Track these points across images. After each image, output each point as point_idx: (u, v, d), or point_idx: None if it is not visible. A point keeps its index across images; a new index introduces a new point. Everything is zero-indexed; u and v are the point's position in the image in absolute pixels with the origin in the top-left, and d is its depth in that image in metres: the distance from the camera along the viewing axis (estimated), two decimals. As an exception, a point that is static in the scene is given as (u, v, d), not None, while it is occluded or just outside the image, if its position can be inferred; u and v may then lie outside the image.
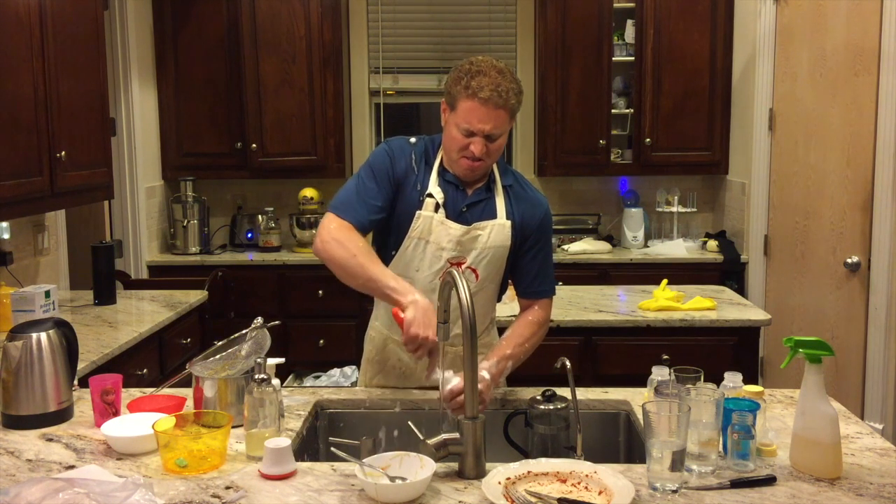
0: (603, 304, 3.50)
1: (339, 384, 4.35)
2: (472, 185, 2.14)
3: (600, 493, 1.55)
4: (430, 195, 2.10)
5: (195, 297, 3.66)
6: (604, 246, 4.88)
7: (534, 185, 2.31)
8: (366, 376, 2.30)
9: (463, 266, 2.10)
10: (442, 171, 2.13)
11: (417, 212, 2.10)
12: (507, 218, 2.13)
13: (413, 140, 2.18)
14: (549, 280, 2.21)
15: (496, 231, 2.12)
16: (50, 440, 1.86)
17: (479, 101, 1.97)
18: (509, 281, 2.30)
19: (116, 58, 4.44)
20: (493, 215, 2.13)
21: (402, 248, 2.11)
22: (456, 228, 2.10)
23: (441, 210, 2.10)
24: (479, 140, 2.01)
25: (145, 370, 3.09)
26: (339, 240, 1.99)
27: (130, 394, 2.15)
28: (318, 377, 4.59)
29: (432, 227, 2.09)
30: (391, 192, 2.10)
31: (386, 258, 2.13)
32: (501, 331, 2.21)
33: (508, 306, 2.87)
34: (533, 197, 2.20)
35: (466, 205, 2.12)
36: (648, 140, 4.90)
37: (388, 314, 2.17)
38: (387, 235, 2.17)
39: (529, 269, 2.17)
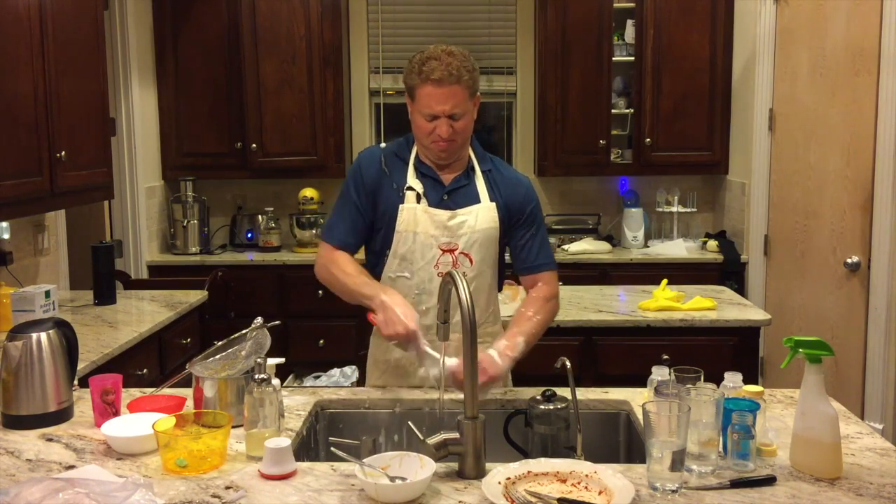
0: (603, 304, 3.50)
1: (339, 384, 4.35)
2: (449, 174, 2.20)
3: (600, 493, 1.55)
4: (410, 188, 2.16)
5: (195, 297, 3.66)
6: (604, 246, 4.88)
7: (534, 185, 2.35)
8: (371, 378, 2.32)
9: (456, 252, 2.14)
10: (418, 165, 2.20)
11: (400, 206, 2.15)
12: (491, 201, 2.19)
13: (383, 145, 2.28)
14: (545, 253, 2.26)
15: (482, 214, 2.17)
16: (50, 440, 1.86)
17: (432, 84, 2.05)
18: (507, 282, 2.32)
19: (116, 58, 4.44)
20: (477, 200, 2.19)
21: (394, 244, 2.16)
22: (441, 214, 2.15)
23: (423, 200, 2.16)
24: (444, 121, 2.07)
25: (145, 370, 3.09)
26: (324, 265, 2.20)
27: (130, 394, 2.15)
28: (318, 377, 4.59)
29: (417, 217, 2.14)
30: (367, 201, 2.19)
31: (380, 261, 2.19)
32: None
33: (509, 306, 2.87)
34: (513, 177, 2.27)
35: (447, 192, 2.18)
36: (648, 140, 4.89)
37: None
38: (377, 239, 2.22)
39: (525, 246, 2.23)
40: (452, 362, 1.95)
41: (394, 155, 2.22)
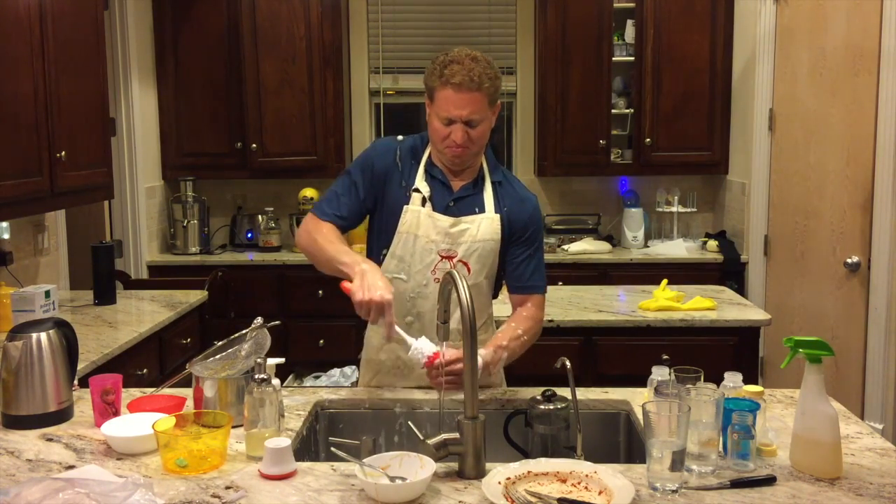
0: (603, 304, 3.50)
1: (339, 384, 4.35)
2: (458, 181, 2.18)
3: (600, 493, 1.55)
4: (417, 190, 2.15)
5: (195, 297, 3.66)
6: (604, 246, 4.88)
7: (534, 185, 2.34)
8: (365, 377, 2.30)
9: (454, 259, 2.13)
10: (429, 167, 2.17)
11: (405, 206, 2.14)
12: (496, 212, 2.17)
13: (401, 138, 2.24)
14: (539, 276, 2.22)
15: (485, 225, 2.15)
16: (50, 440, 1.86)
17: (452, 88, 2.02)
18: (503, 282, 2.32)
19: (116, 58, 4.44)
20: (482, 209, 2.17)
21: (393, 244, 2.15)
22: (444, 220, 2.13)
23: (428, 204, 2.14)
24: (460, 127, 2.05)
25: (145, 370, 3.09)
26: (308, 230, 2.16)
27: (130, 394, 2.15)
28: (318, 377, 4.59)
29: (420, 220, 2.13)
30: (371, 189, 2.17)
31: (379, 259, 2.18)
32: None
33: (508, 306, 2.87)
34: (521, 193, 2.23)
35: (453, 199, 2.16)
36: (648, 140, 4.90)
37: None
38: (377, 236, 2.21)
39: (520, 265, 2.20)
40: (427, 346, 1.95)
41: (409, 151, 2.19)
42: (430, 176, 2.16)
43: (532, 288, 2.21)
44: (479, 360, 1.96)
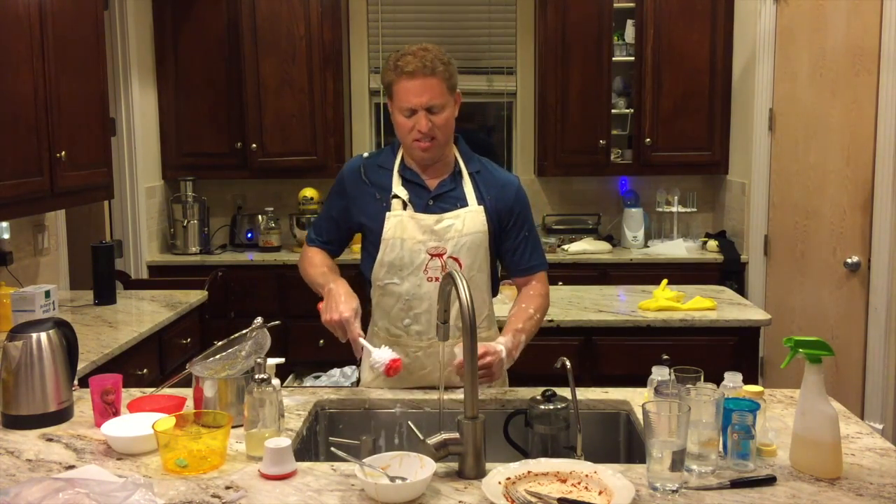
0: (603, 304, 3.50)
1: (339, 384, 4.34)
2: (434, 179, 2.19)
3: (600, 493, 1.55)
4: (396, 196, 2.16)
5: (195, 297, 3.66)
6: (604, 246, 4.88)
7: (534, 185, 2.35)
8: (366, 379, 2.31)
9: (444, 256, 2.13)
10: (402, 171, 2.19)
11: (387, 213, 2.15)
12: (479, 204, 2.17)
13: (366, 154, 2.29)
14: (538, 254, 2.25)
15: (469, 218, 2.15)
16: (50, 440, 1.86)
17: (406, 77, 2.06)
18: (504, 282, 2.32)
19: (116, 58, 4.44)
20: (464, 203, 2.17)
21: (380, 252, 2.16)
22: (427, 218, 2.15)
23: (409, 207, 2.15)
24: (422, 115, 2.07)
25: (145, 370, 3.09)
26: (301, 260, 2.32)
27: (130, 394, 2.16)
28: (318, 377, 4.59)
29: (404, 223, 2.14)
30: (345, 210, 2.24)
31: (372, 268, 2.19)
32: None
33: (508, 307, 2.87)
34: (502, 178, 2.24)
35: (431, 197, 2.17)
36: (648, 140, 4.90)
37: (385, 317, 2.20)
38: (369, 249, 2.22)
39: (517, 249, 2.22)
40: (386, 355, 1.98)
41: (375, 165, 2.22)
42: (405, 180, 2.18)
43: (534, 268, 2.24)
44: (501, 349, 2.00)
